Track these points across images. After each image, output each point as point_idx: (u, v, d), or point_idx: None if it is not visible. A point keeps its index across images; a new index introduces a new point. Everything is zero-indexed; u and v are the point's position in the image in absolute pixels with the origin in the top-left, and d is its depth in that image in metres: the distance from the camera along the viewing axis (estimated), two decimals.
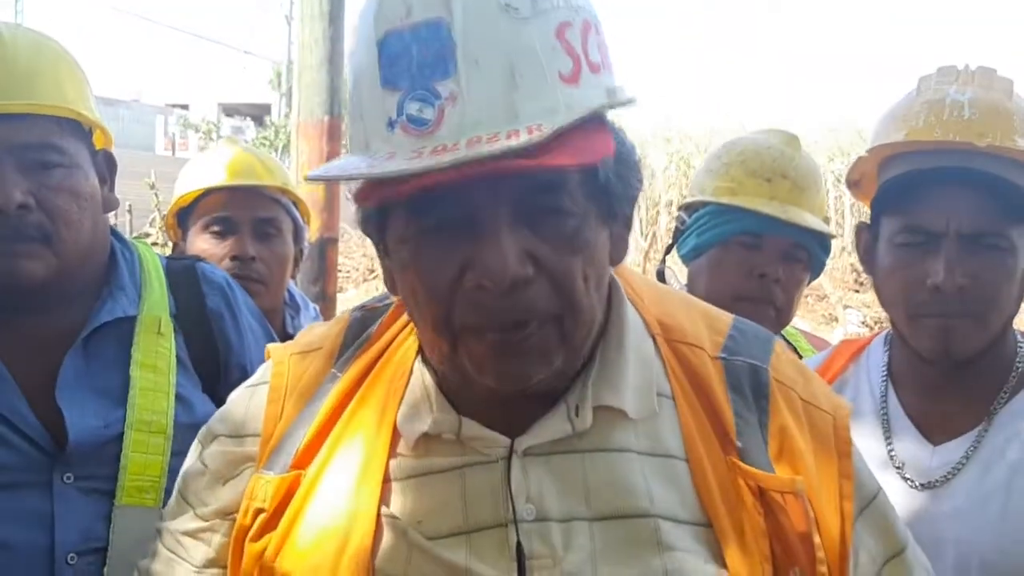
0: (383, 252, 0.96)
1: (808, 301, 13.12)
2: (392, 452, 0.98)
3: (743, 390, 0.99)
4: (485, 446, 0.96)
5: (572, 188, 0.89)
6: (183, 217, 2.38)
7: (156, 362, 1.48)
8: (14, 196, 1.37)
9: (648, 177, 18.16)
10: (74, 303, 1.48)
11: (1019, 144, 1.43)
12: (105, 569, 1.38)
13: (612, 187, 0.92)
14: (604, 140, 0.90)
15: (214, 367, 1.54)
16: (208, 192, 2.31)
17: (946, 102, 1.47)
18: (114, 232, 1.61)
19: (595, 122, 0.89)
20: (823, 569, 0.94)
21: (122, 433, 1.43)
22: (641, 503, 0.93)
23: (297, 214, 2.40)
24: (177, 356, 1.51)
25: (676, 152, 17.85)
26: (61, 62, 1.50)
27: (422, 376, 1.00)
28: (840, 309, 11.39)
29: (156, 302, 1.54)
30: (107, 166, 1.55)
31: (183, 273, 1.60)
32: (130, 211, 12.31)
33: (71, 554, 1.38)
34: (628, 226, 0.99)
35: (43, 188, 1.40)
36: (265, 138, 30.35)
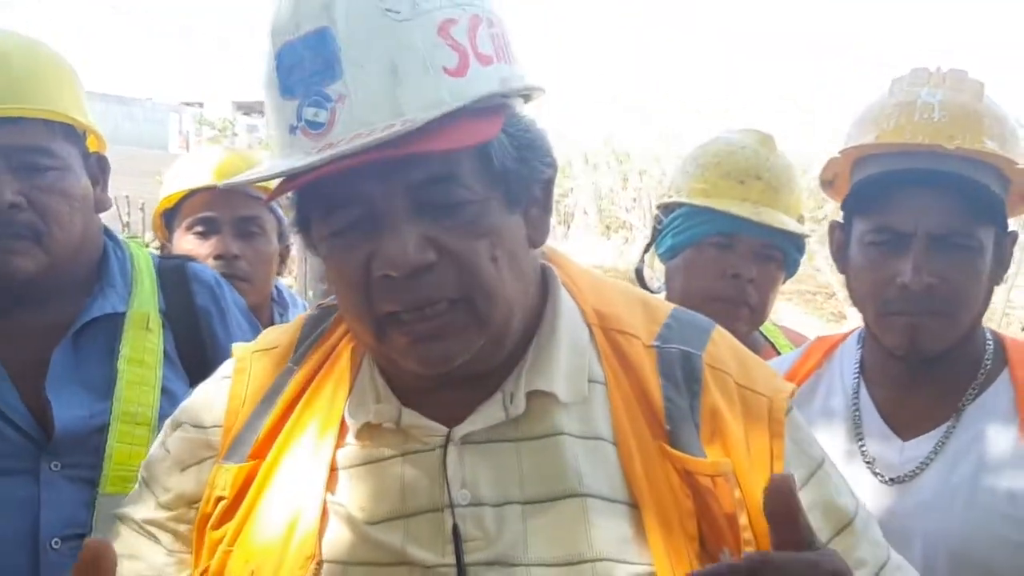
0: (314, 252, 1.01)
1: (816, 299, 13.08)
2: (340, 442, 1.03)
3: (674, 376, 1.02)
4: (424, 435, 1.00)
5: (465, 177, 0.93)
6: (169, 218, 2.43)
7: (143, 356, 1.54)
8: (4, 196, 1.44)
9: (660, 176, 18.17)
10: (66, 299, 1.54)
11: (988, 146, 1.46)
12: None
13: (512, 172, 0.96)
14: (491, 126, 0.94)
15: (201, 362, 1.58)
16: (192, 193, 2.36)
17: (917, 104, 1.50)
18: (107, 231, 1.67)
19: (488, 111, 0.94)
20: (749, 549, 0.97)
21: (107, 424, 1.48)
22: (570, 483, 0.97)
23: (281, 212, 2.44)
24: (164, 351, 1.57)
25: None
26: (55, 67, 1.56)
27: (370, 368, 1.05)
28: (848, 307, 11.38)
29: (145, 299, 1.60)
30: (100, 168, 1.61)
31: (173, 271, 1.66)
32: (143, 209, 12.39)
33: (55, 539, 1.44)
34: (546, 209, 1.03)
35: (35, 189, 1.47)
36: None
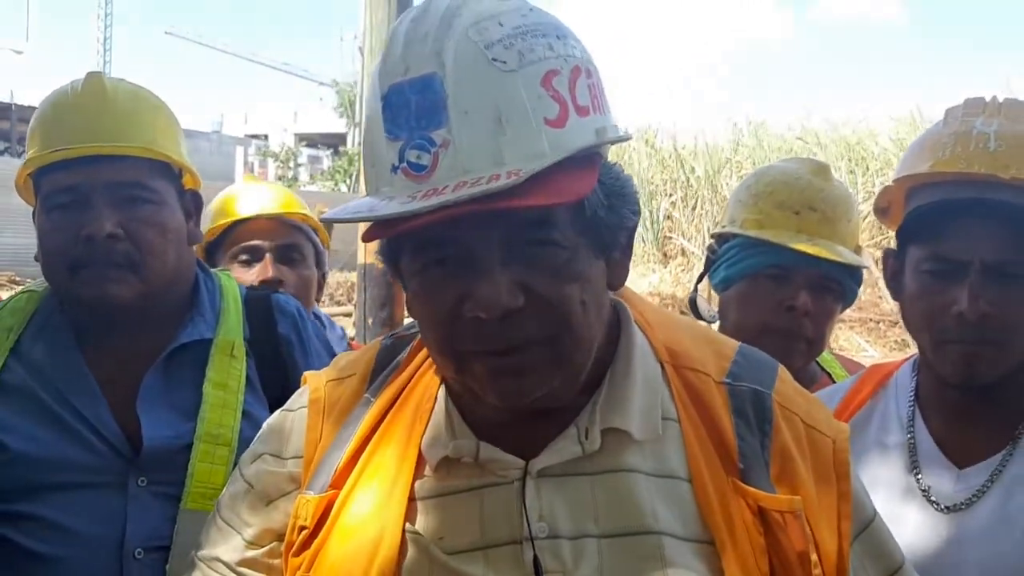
0: (400, 282, 1.05)
1: (879, 327, 12.87)
2: (417, 473, 1.05)
3: (746, 414, 1.04)
4: (501, 468, 1.03)
5: (560, 223, 0.95)
6: (212, 250, 2.51)
7: (227, 381, 1.64)
8: (104, 227, 1.57)
9: (720, 202, 18.07)
10: (158, 325, 1.66)
11: None
12: (167, 566, 1.53)
13: (602, 220, 0.98)
14: (587, 178, 0.96)
15: (282, 388, 1.66)
16: (234, 224, 2.47)
17: (972, 134, 1.50)
18: (199, 262, 1.80)
19: (582, 161, 0.95)
20: None
21: (191, 444, 1.58)
22: (646, 520, 0.99)
23: (317, 240, 2.55)
24: (247, 377, 1.67)
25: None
26: (156, 111, 1.71)
27: (445, 403, 1.08)
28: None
29: (232, 327, 1.71)
30: (193, 204, 1.75)
31: (259, 302, 1.78)
32: None
33: (138, 549, 1.54)
34: (627, 253, 1.05)
35: (132, 221, 1.60)
36: (340, 166, 30.98)
